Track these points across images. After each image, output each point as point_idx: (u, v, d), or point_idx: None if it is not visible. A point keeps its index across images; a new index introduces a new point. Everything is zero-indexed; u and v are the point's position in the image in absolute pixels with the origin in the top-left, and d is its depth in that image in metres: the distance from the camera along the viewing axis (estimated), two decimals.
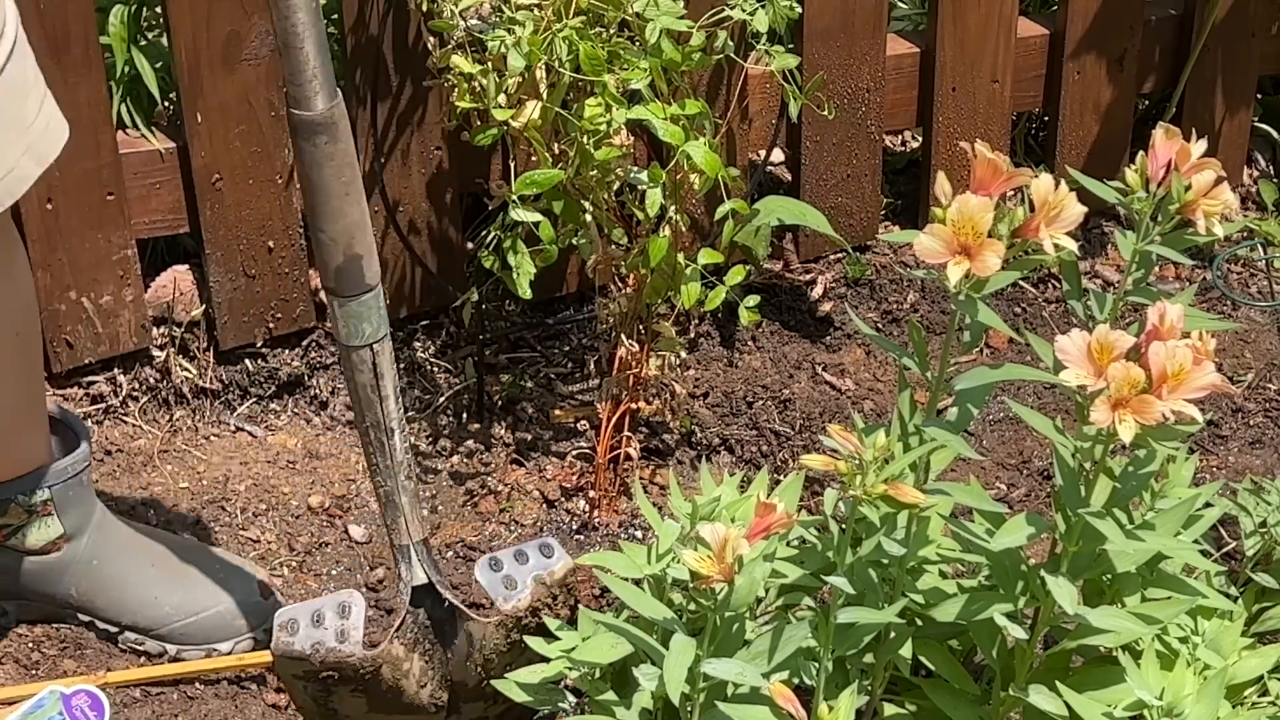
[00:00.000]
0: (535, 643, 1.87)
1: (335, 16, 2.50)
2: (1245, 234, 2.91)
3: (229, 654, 2.14)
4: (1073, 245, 1.64)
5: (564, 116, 2.20)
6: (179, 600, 2.13)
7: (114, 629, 2.15)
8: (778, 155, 2.76)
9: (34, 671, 2.11)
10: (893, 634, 1.82)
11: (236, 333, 2.46)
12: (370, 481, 1.91)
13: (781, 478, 2.30)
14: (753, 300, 2.40)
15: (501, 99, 2.18)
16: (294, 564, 2.32)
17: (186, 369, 2.46)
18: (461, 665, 1.94)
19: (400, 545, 1.90)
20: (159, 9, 2.40)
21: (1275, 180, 3.00)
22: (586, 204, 2.27)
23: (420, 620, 1.93)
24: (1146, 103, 2.95)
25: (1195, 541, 1.83)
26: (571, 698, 1.89)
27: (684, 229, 2.35)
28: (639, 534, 2.39)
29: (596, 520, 2.40)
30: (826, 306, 2.71)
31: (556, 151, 2.23)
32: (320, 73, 1.71)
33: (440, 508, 2.41)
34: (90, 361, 2.41)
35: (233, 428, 2.48)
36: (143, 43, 2.48)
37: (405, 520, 1.89)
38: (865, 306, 2.73)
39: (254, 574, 2.19)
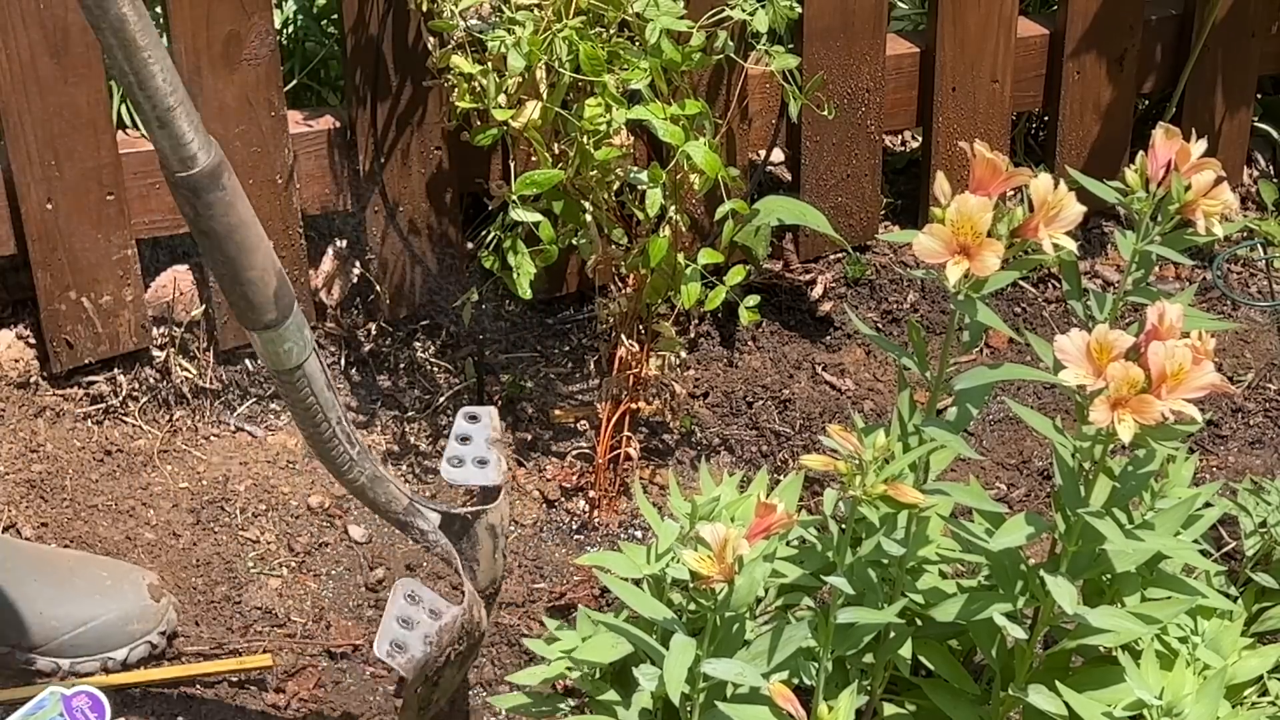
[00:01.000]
0: (535, 645, 1.87)
1: (335, 16, 2.51)
2: (1245, 234, 2.90)
3: (124, 661, 2.10)
4: (1072, 245, 1.64)
5: (564, 116, 2.21)
6: (65, 613, 2.08)
7: (3, 650, 2.08)
8: (778, 155, 2.76)
9: None
10: (892, 634, 1.82)
11: (236, 332, 2.46)
12: (344, 482, 1.91)
13: (781, 478, 2.30)
14: (753, 300, 2.40)
15: (501, 99, 2.18)
16: (294, 564, 2.32)
17: (186, 369, 2.46)
18: (491, 562, 2.02)
19: (405, 507, 1.93)
20: (159, 9, 2.40)
21: (1275, 180, 3.00)
22: (586, 204, 2.27)
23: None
24: (1146, 102, 2.95)
25: (1195, 541, 1.83)
26: (570, 700, 1.89)
27: (684, 229, 2.35)
28: (639, 534, 2.39)
29: (596, 520, 2.40)
30: (826, 306, 2.71)
31: (556, 151, 2.23)
32: (198, 127, 1.65)
33: None
34: (90, 361, 2.41)
35: (233, 428, 2.48)
36: None
37: (394, 486, 1.92)
38: (865, 306, 2.73)
39: (143, 578, 2.14)
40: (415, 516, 1.93)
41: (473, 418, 2.07)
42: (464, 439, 2.04)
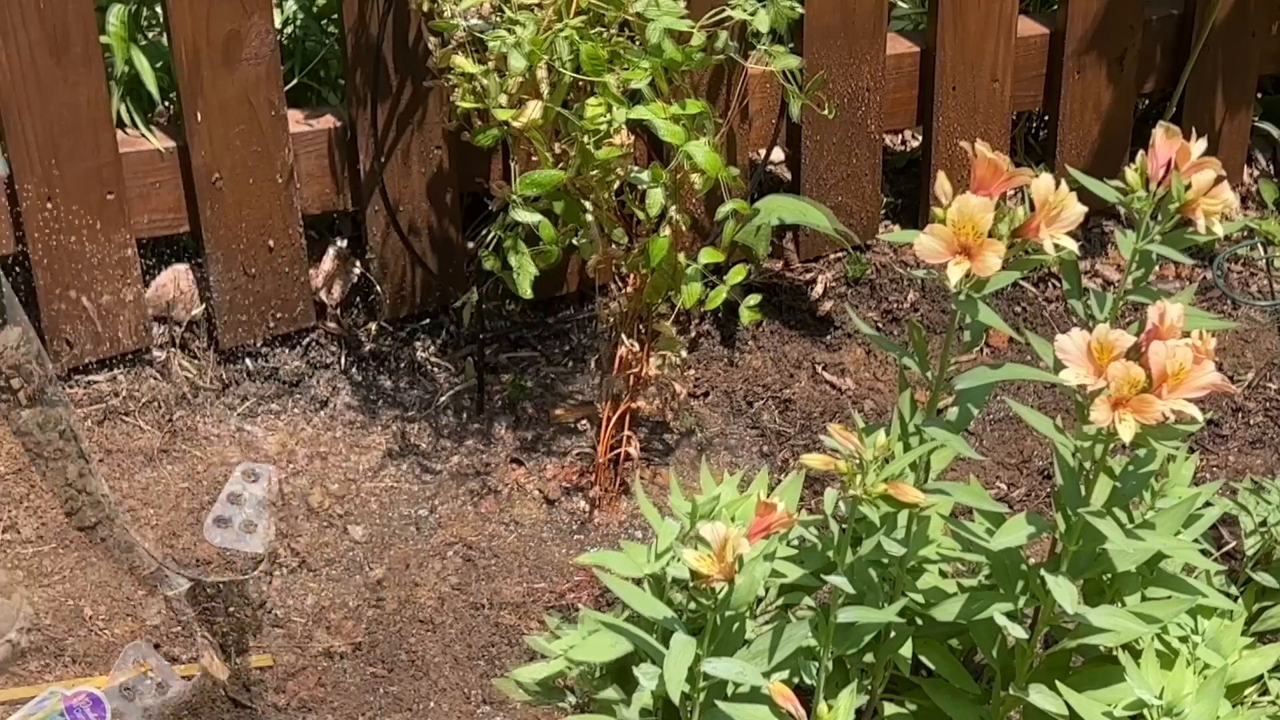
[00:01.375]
0: (535, 642, 1.87)
1: (335, 16, 2.51)
2: (1245, 233, 2.90)
3: None
4: (1073, 245, 1.64)
5: (565, 116, 2.20)
6: None
7: None
8: (778, 154, 2.76)
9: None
10: (893, 633, 1.82)
11: (237, 332, 2.46)
12: (93, 540, 1.88)
13: (782, 477, 2.30)
14: (753, 299, 2.40)
15: (503, 99, 2.17)
16: (294, 564, 2.32)
17: (186, 368, 2.46)
18: (244, 621, 1.99)
19: (153, 573, 1.90)
20: (159, 9, 2.40)
21: (1275, 179, 3.00)
22: (587, 204, 2.27)
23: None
24: (1146, 102, 2.95)
25: (1195, 541, 1.83)
26: (572, 697, 1.89)
27: (684, 228, 2.35)
28: (639, 534, 2.39)
29: (597, 519, 2.40)
30: (827, 306, 2.71)
31: (557, 151, 2.23)
32: None
33: (440, 508, 2.41)
34: (90, 361, 2.41)
35: (233, 427, 2.48)
36: (143, 42, 2.48)
37: (144, 551, 1.90)
38: (865, 306, 2.73)
39: None
40: (160, 583, 1.89)
41: (252, 476, 1.99)
42: (235, 498, 1.97)
